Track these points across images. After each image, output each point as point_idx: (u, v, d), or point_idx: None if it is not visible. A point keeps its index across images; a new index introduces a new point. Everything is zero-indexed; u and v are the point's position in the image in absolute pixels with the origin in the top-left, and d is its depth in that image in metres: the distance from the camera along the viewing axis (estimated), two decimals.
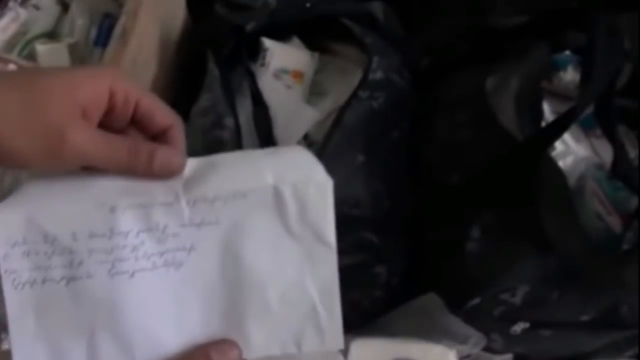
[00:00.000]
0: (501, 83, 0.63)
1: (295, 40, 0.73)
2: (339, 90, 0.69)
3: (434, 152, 0.63)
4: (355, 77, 0.65)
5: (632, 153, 0.62)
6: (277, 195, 0.40)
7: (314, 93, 0.72)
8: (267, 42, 0.70)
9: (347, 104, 0.61)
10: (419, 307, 0.56)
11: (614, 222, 0.57)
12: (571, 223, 0.53)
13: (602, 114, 0.54)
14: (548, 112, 0.63)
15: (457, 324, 0.55)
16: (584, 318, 0.55)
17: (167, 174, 0.40)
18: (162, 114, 0.42)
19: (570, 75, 0.62)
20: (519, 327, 0.57)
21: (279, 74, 0.69)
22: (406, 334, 0.57)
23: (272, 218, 0.40)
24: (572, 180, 0.59)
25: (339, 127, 0.60)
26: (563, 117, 0.53)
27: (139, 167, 0.39)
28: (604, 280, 0.52)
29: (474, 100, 0.61)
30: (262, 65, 0.69)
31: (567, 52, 0.63)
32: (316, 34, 0.75)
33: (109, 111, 0.40)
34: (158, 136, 0.42)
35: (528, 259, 0.55)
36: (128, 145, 0.39)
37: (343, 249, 0.61)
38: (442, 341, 0.55)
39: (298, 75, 0.70)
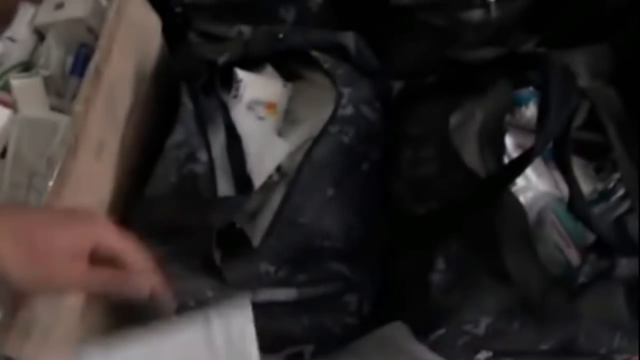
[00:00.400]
0: (466, 116, 0.65)
1: (269, 69, 0.75)
2: (313, 119, 0.70)
3: (401, 185, 0.65)
4: (329, 105, 0.67)
5: (590, 186, 0.65)
6: None
7: (288, 121, 0.73)
8: (241, 74, 0.71)
9: (317, 140, 0.62)
10: (387, 335, 0.59)
11: (573, 255, 0.59)
12: (529, 258, 0.56)
13: (559, 153, 0.56)
14: (511, 145, 0.65)
15: (424, 352, 0.57)
16: (544, 347, 0.57)
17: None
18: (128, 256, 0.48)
19: (531, 111, 0.64)
20: (482, 356, 0.59)
21: (252, 105, 0.70)
22: None
23: None
24: (532, 214, 0.61)
25: (308, 162, 0.62)
26: (521, 158, 0.56)
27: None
28: (559, 313, 0.54)
29: (439, 136, 0.63)
30: (236, 96, 0.70)
31: (530, 88, 0.65)
32: (290, 62, 0.76)
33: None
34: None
35: (490, 291, 0.57)
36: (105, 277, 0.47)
37: (314, 279, 0.63)
38: None
39: (271, 106, 0.71)
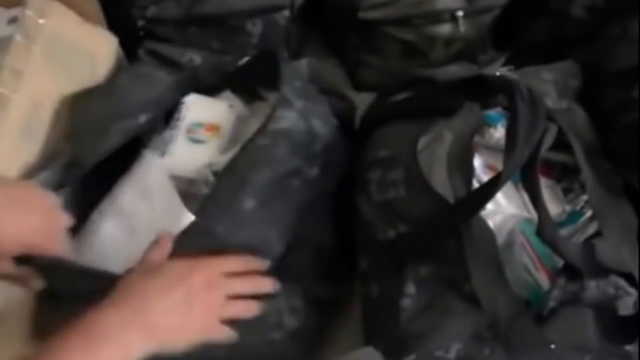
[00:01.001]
0: (435, 137, 0.65)
1: (227, 92, 0.74)
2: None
3: (370, 207, 0.64)
4: None
5: (558, 207, 0.65)
6: None
7: (239, 142, 0.70)
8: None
9: (242, 150, 0.61)
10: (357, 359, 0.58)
11: (542, 277, 0.59)
12: (498, 284, 0.55)
13: (527, 179, 0.56)
14: (480, 166, 0.65)
15: None
16: None
17: None
18: None
19: (500, 132, 0.64)
20: None
21: (193, 127, 0.69)
22: None
23: None
24: (501, 236, 0.61)
25: (229, 172, 0.61)
26: (489, 185, 0.56)
27: None
28: (526, 340, 0.54)
29: (407, 159, 0.62)
30: (177, 119, 0.70)
31: (499, 109, 0.65)
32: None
33: None
34: None
35: (461, 316, 0.57)
36: None
37: None
38: None
39: (213, 128, 0.70)
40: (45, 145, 0.65)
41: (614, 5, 0.77)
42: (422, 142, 0.63)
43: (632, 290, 0.59)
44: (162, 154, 0.68)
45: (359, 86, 0.91)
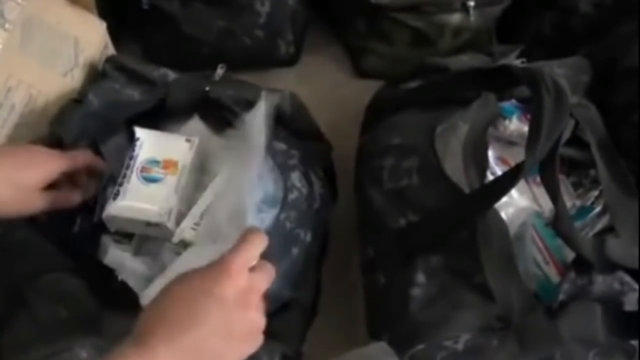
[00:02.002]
0: (450, 127, 0.65)
1: (195, 119, 0.70)
2: (234, 170, 0.65)
3: (381, 195, 0.64)
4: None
5: (568, 202, 0.65)
6: None
7: (206, 173, 0.68)
8: (138, 132, 0.66)
9: (268, 231, 0.58)
10: (367, 355, 0.58)
11: (551, 271, 0.60)
12: (512, 277, 0.56)
13: (546, 172, 0.56)
14: (492, 158, 0.65)
15: None
16: None
17: None
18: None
19: (514, 125, 0.64)
20: None
21: (148, 164, 0.65)
22: None
23: None
24: (512, 229, 0.61)
25: None
26: (508, 177, 0.55)
27: None
28: (539, 334, 0.54)
29: (423, 147, 0.62)
30: (131, 157, 0.65)
31: (513, 101, 0.65)
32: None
33: None
34: None
35: (471, 307, 0.57)
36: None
37: None
38: None
39: (171, 164, 0.65)
40: (20, 129, 0.63)
41: (624, 3, 0.77)
42: (436, 132, 0.63)
43: (637, 286, 0.60)
44: (115, 195, 0.63)
45: (363, 72, 0.90)
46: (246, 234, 0.47)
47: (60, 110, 0.65)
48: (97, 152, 0.65)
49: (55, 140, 0.64)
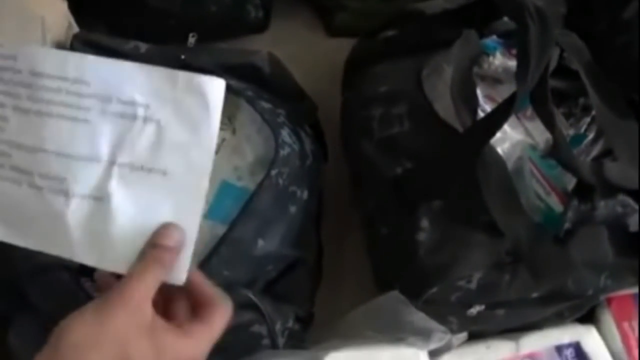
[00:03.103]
0: (434, 72, 0.64)
1: None
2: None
3: (374, 146, 0.63)
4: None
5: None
6: None
7: None
8: None
9: (260, 187, 0.56)
10: (381, 305, 0.57)
11: (553, 201, 0.60)
12: (516, 210, 0.55)
13: (538, 100, 0.55)
14: (480, 97, 0.64)
15: (420, 320, 0.56)
16: (535, 295, 0.57)
17: None
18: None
19: (499, 60, 0.63)
20: (474, 310, 0.58)
21: None
22: (374, 332, 0.57)
23: None
24: (510, 165, 0.61)
25: (246, 212, 0.55)
26: (501, 109, 0.55)
27: None
28: (550, 263, 0.54)
29: (411, 92, 0.61)
30: None
31: (494, 37, 0.64)
32: None
33: None
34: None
35: (479, 245, 0.56)
36: None
37: None
38: (407, 338, 0.56)
39: None
40: None
41: None
42: (422, 75, 0.62)
43: (639, 207, 0.60)
44: None
45: (335, 31, 0.89)
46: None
47: None
48: None
49: None
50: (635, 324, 0.65)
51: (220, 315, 0.44)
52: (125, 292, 0.40)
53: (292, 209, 0.59)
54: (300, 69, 0.74)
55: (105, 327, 0.38)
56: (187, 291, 0.45)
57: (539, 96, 0.55)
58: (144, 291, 0.40)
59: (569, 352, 0.62)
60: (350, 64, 0.74)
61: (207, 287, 0.45)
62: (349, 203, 0.75)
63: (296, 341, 0.61)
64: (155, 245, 0.42)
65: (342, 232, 0.75)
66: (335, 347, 0.57)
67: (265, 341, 0.57)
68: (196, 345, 0.42)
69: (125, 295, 0.40)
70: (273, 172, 0.56)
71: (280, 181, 0.57)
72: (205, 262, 0.53)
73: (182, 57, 0.65)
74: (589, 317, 0.66)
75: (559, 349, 0.62)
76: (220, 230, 0.55)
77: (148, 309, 0.40)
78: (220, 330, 0.44)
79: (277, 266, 0.59)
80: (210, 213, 0.59)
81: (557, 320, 0.63)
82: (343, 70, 0.75)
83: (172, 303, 0.45)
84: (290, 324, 0.60)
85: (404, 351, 0.55)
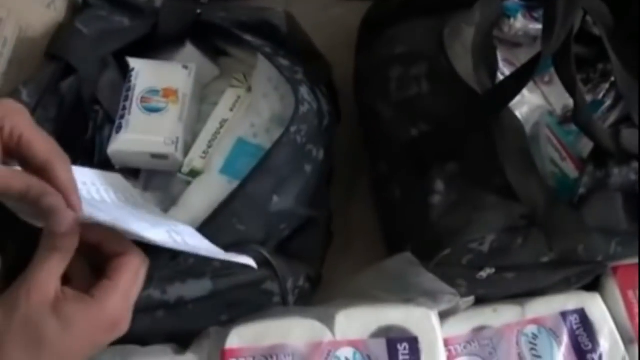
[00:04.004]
0: (453, 33, 0.63)
1: (188, 46, 0.67)
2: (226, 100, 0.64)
3: (390, 108, 0.62)
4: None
5: None
6: None
7: (205, 101, 0.67)
8: (132, 62, 0.63)
9: (279, 143, 0.55)
10: (392, 267, 0.57)
11: (568, 167, 0.59)
12: (532, 174, 0.55)
13: (561, 63, 0.55)
14: (499, 59, 0.63)
15: (429, 282, 0.56)
16: (545, 259, 0.58)
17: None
18: (42, 149, 0.42)
19: (520, 23, 0.63)
20: (485, 273, 0.59)
21: (148, 94, 0.62)
22: (383, 293, 0.58)
23: None
24: (527, 129, 0.60)
25: (261, 168, 0.54)
26: (525, 68, 0.54)
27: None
28: (565, 227, 0.54)
29: (431, 52, 0.60)
30: (129, 89, 0.62)
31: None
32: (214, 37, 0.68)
33: None
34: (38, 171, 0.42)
35: (493, 208, 0.56)
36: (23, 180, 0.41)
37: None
38: (417, 300, 0.56)
39: (171, 93, 0.62)
40: (12, 65, 0.59)
41: None
42: (443, 35, 0.61)
43: None
44: (118, 129, 0.60)
45: None
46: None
47: (57, 36, 0.61)
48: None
49: None
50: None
51: (127, 268, 0.43)
52: (28, 279, 0.40)
53: (308, 167, 0.59)
54: (313, 30, 0.73)
55: (14, 314, 0.39)
56: (93, 252, 0.44)
57: (562, 59, 0.54)
58: (46, 275, 0.40)
59: (574, 318, 0.62)
60: (366, 25, 0.73)
61: (110, 242, 0.44)
62: (358, 165, 0.75)
63: (305, 300, 0.62)
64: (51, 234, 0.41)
65: (351, 194, 0.75)
66: (345, 306, 0.57)
67: (276, 299, 0.58)
68: (103, 304, 0.41)
69: (27, 281, 0.40)
70: (292, 129, 0.55)
71: (299, 138, 0.56)
72: (216, 215, 0.53)
73: (198, 11, 0.64)
74: (594, 286, 0.67)
75: (564, 315, 0.62)
76: (235, 186, 0.55)
77: (51, 288, 0.40)
78: (130, 281, 0.43)
79: (291, 224, 0.59)
80: (225, 169, 0.59)
81: (564, 287, 0.64)
82: (358, 32, 0.74)
83: (75, 269, 0.44)
84: (301, 282, 0.60)
85: (415, 310, 0.55)
